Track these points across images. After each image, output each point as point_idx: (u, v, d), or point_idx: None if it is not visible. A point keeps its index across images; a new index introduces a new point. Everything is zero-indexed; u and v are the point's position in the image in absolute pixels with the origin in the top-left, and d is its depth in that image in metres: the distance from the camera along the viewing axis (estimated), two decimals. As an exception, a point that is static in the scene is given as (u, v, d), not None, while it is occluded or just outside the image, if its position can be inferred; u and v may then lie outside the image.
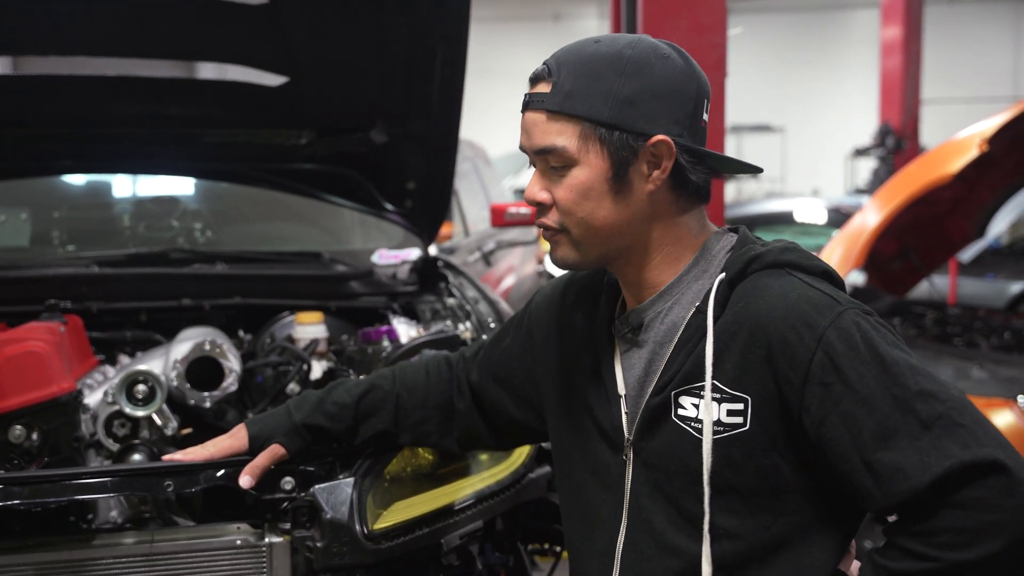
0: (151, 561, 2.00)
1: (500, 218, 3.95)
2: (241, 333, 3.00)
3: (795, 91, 17.41)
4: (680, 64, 1.45)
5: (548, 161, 1.45)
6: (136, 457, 2.35)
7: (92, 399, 2.51)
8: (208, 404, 2.57)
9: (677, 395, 1.45)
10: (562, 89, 1.43)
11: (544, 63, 1.47)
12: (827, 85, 17.51)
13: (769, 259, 1.44)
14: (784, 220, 10.37)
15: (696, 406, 1.42)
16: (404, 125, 3.09)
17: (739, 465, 1.40)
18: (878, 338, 1.36)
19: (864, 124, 13.94)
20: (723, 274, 1.45)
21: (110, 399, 2.41)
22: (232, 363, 2.60)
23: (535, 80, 1.48)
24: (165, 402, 2.42)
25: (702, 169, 1.48)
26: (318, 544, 1.99)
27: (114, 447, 2.38)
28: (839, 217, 9.53)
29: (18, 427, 2.28)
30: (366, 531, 1.99)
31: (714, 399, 1.40)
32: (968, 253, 6.21)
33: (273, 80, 3.03)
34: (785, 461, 1.40)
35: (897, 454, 1.31)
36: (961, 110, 14.61)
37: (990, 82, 16.38)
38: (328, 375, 2.80)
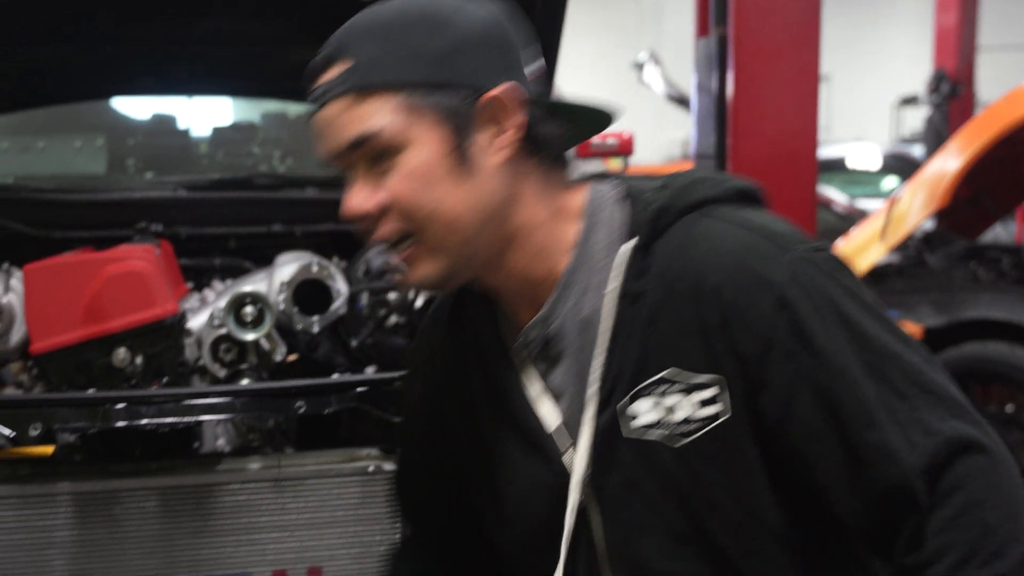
0: (279, 487, 1.88)
1: (586, 149, 3.79)
2: (335, 260, 2.86)
3: (842, 37, 17.04)
4: (485, 6, 1.22)
5: (367, 155, 1.18)
6: (245, 383, 2.23)
7: (194, 323, 2.39)
8: (316, 328, 2.43)
9: (628, 403, 1.18)
10: (363, 62, 1.18)
11: (328, 44, 1.22)
12: (875, 31, 17.18)
13: (679, 205, 1.19)
14: (835, 167, 10.16)
15: (657, 405, 1.16)
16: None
17: (723, 464, 1.15)
18: (836, 287, 1.13)
19: (912, 72, 13.65)
20: (634, 240, 1.20)
21: (216, 322, 2.28)
22: (340, 285, 2.47)
23: (322, 67, 1.22)
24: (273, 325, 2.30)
25: (554, 123, 1.24)
26: (457, 470, 1.86)
27: (221, 372, 2.26)
28: (896, 162, 9.34)
29: (122, 350, 2.16)
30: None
31: (680, 391, 1.15)
32: (1038, 196, 6.06)
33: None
34: (760, 452, 1.16)
35: (881, 433, 1.09)
36: (1017, 58, 14.28)
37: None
38: (429, 303, 2.68)
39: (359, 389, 1.86)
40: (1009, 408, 4.61)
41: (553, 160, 1.24)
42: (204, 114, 3.53)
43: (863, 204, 8.08)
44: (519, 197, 1.21)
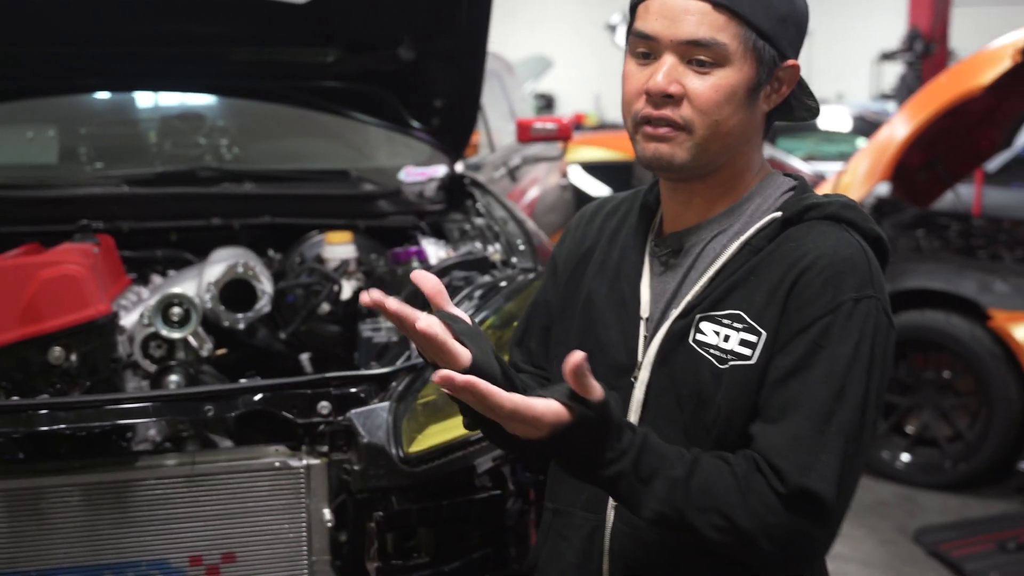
0: (192, 482, 2.05)
1: (526, 133, 3.92)
2: (271, 252, 3.02)
3: (822, -8, 17.02)
4: None
5: (694, 54, 1.39)
6: (173, 378, 2.40)
7: (127, 320, 2.55)
8: (242, 325, 2.61)
9: (700, 320, 1.44)
10: None
11: None
12: (855, -14, 17.13)
13: (830, 210, 1.44)
14: (807, 128, 10.25)
15: (717, 333, 1.42)
16: (431, 42, 3.06)
17: (735, 394, 1.40)
18: (880, 339, 1.38)
19: (892, 26, 13.67)
20: (779, 213, 1.45)
21: (146, 321, 2.44)
22: (265, 285, 2.63)
23: None
24: (200, 323, 2.46)
25: (800, 104, 1.51)
26: (355, 467, 2.04)
27: (151, 368, 2.43)
28: (864, 125, 9.44)
29: (57, 348, 2.33)
30: (402, 455, 2.04)
31: (725, 324, 1.41)
32: (994, 163, 6.16)
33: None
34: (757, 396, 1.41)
35: (816, 434, 1.33)
36: (992, 13, 14.28)
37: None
38: (357, 295, 2.84)
39: (262, 394, 2.02)
40: (946, 374, 4.78)
41: (767, 130, 1.50)
42: (154, 105, 3.66)
43: (832, 168, 8.19)
44: (751, 142, 1.47)
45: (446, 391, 1.25)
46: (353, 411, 2.05)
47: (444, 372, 1.22)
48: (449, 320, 1.34)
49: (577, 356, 1.23)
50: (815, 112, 1.53)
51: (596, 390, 1.27)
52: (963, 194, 7.31)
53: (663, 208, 1.55)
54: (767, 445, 1.34)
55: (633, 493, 1.33)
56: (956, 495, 4.60)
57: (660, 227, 1.55)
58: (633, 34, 1.44)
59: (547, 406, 1.26)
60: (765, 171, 1.51)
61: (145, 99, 3.65)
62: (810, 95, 1.52)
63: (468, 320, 1.38)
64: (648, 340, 1.48)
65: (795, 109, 1.52)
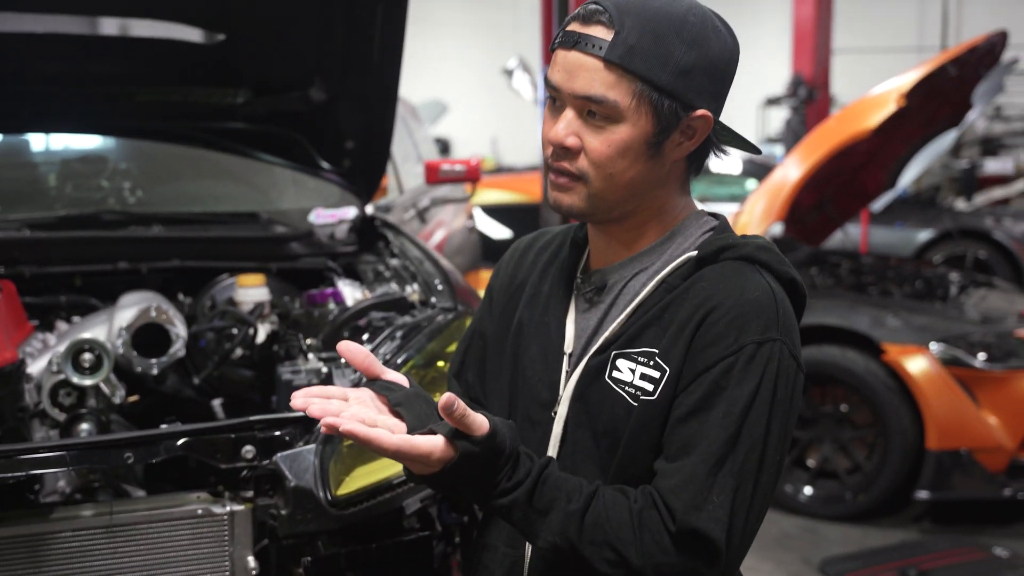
0: (111, 533, 1.99)
1: (434, 175, 3.94)
2: (181, 296, 2.96)
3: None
4: (728, 42, 1.44)
5: (589, 108, 1.40)
6: (84, 426, 2.32)
7: (34, 368, 2.47)
8: (155, 371, 2.54)
9: (616, 357, 1.45)
10: (625, 41, 1.36)
11: (601, 4, 1.39)
12: (740, 32, 17.62)
13: (744, 251, 1.45)
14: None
15: (632, 371, 1.44)
16: (343, 83, 3.06)
17: (641, 428, 1.42)
18: (784, 382, 1.40)
19: (777, 72, 14.13)
20: (695, 252, 1.47)
21: (55, 368, 2.36)
22: (179, 329, 2.57)
23: (588, 19, 1.40)
24: (111, 370, 2.39)
25: (722, 148, 1.51)
26: (282, 512, 2.00)
27: (60, 417, 2.35)
28: (753, 167, 9.71)
29: (-40, 399, 2.23)
30: (330, 497, 2.01)
31: (640, 362, 1.43)
32: (879, 203, 6.39)
33: (208, 38, 2.97)
34: (660, 431, 1.43)
35: (707, 470, 1.35)
36: (868, 60, 14.89)
37: (895, 33, 16.69)
38: (272, 338, 2.79)
39: (185, 439, 1.97)
40: (844, 408, 4.91)
41: (693, 172, 1.51)
42: (53, 147, 3.56)
43: (724, 209, 8.38)
44: (664, 187, 1.47)
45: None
46: (279, 454, 2.01)
47: (329, 420, 1.26)
48: (383, 390, 1.37)
49: (446, 398, 1.25)
50: (752, 148, 1.54)
51: (479, 425, 1.29)
52: (851, 233, 7.61)
53: (590, 245, 1.57)
54: (664, 483, 1.37)
55: (529, 523, 1.36)
56: (857, 525, 4.72)
57: (588, 263, 1.58)
58: (544, 80, 1.48)
59: (432, 444, 1.28)
60: (689, 210, 1.52)
61: (44, 141, 3.55)
62: (731, 139, 1.52)
63: (405, 382, 1.39)
64: (568, 375, 1.50)
65: (724, 150, 1.52)
